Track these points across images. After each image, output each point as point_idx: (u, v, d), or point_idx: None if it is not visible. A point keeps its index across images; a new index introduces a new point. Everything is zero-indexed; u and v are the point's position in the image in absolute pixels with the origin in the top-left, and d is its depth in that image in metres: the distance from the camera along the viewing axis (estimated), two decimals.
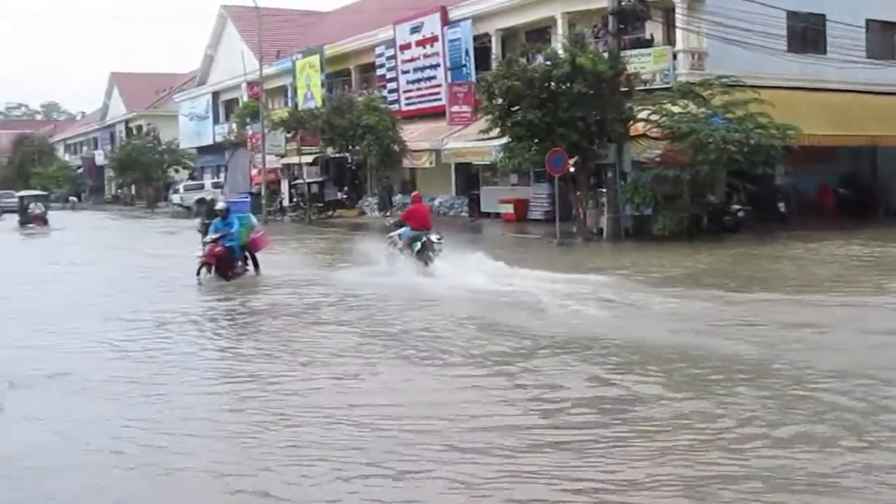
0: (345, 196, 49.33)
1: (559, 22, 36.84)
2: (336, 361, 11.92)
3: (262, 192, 49.42)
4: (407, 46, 44.93)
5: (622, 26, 29.93)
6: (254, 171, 56.72)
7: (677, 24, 32.11)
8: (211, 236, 21.27)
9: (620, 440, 8.19)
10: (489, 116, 30.74)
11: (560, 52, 29.67)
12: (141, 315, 16.30)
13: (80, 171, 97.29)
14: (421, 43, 44.07)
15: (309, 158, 50.05)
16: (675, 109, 28.86)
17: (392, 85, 46.32)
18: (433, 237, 20.92)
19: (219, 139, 65.56)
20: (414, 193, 25.01)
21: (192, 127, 72.32)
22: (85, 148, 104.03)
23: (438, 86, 42.95)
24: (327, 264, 23.57)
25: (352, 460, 7.79)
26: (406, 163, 42.36)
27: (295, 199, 51.83)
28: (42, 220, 47.90)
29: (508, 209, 38.05)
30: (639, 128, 29.82)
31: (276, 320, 15.79)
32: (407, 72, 45.18)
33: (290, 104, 54.64)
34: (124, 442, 8.54)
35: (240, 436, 8.68)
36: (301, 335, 14.09)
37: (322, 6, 78.50)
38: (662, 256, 23.64)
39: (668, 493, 6.92)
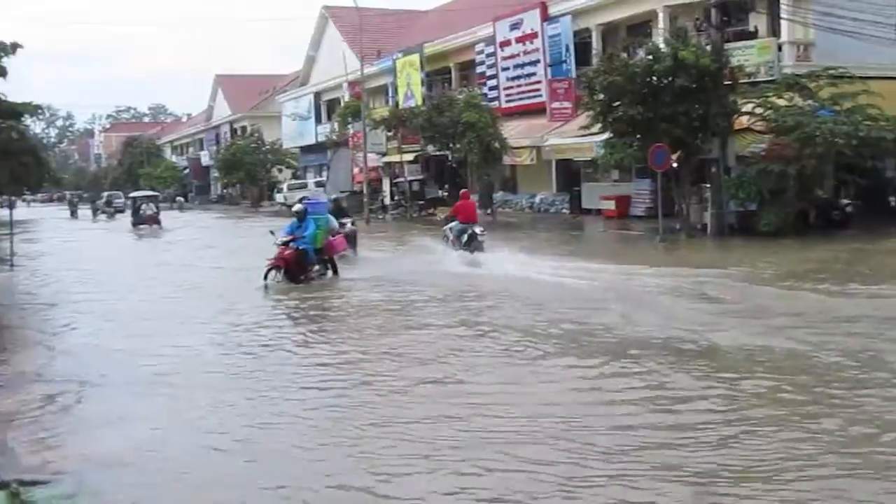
0: (445, 193, 49.55)
1: (660, 16, 36.52)
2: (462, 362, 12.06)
3: (364, 191, 49.96)
4: (507, 43, 44.97)
5: (725, 19, 29.56)
6: (355, 170, 57.37)
7: (782, 14, 31.56)
8: (282, 238, 20.83)
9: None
10: (590, 112, 30.63)
11: (662, 46, 29.44)
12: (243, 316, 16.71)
13: (187, 171, 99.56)
14: (521, 39, 44.07)
15: (410, 156, 50.48)
16: (781, 102, 28.41)
17: (492, 82, 46.41)
18: (477, 230, 24.13)
19: (321, 139, 66.49)
20: (462, 191, 27.57)
21: (294, 127, 73.44)
22: (191, 149, 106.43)
23: (538, 82, 42.91)
24: (427, 263, 23.16)
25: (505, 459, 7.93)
26: (506, 160, 42.42)
27: (396, 197, 52.32)
28: (154, 220, 47.88)
29: (609, 206, 37.86)
30: (743, 122, 29.43)
31: (372, 318, 15.99)
32: (507, 68, 45.22)
33: (390, 103, 55.11)
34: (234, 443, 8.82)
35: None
36: (412, 333, 14.25)
37: (422, 5, 79.21)
38: (771, 253, 23.27)
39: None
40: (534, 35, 43.05)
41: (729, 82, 28.95)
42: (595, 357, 11.66)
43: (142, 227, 47.08)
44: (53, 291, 21.44)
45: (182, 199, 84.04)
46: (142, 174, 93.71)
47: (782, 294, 16.61)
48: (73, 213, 70.78)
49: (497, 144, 40.76)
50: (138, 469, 7.92)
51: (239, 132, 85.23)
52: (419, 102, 49.47)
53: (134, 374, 11.67)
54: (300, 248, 20.47)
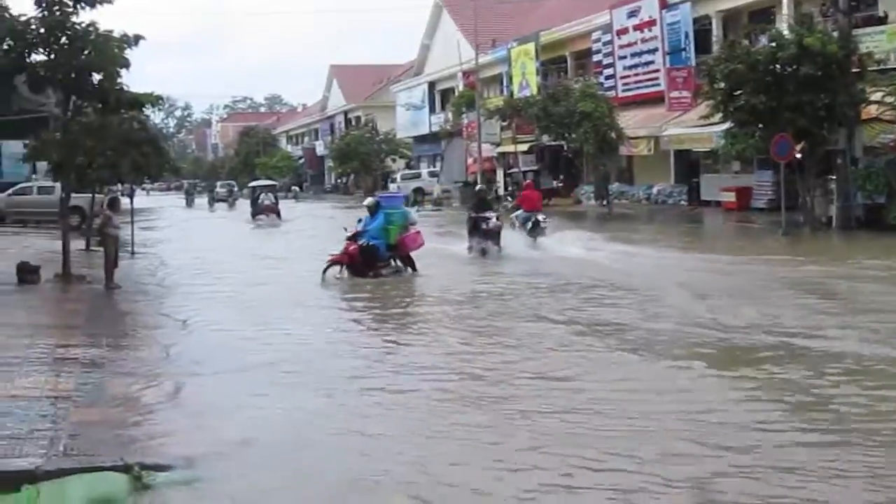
0: (560, 184, 49.41)
1: (784, 1, 35.67)
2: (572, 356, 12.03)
3: (478, 181, 50.04)
4: (624, 31, 44.54)
5: (853, 3, 28.87)
6: (469, 160, 57.63)
7: None
8: (349, 232, 20.61)
9: None
10: (710, 102, 30.26)
11: (786, 32, 28.92)
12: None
13: (302, 161, 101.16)
14: (638, 27, 43.60)
15: (524, 146, 50.42)
16: None
17: (609, 71, 46.04)
18: (540, 217, 26.45)
19: (435, 129, 66.85)
20: (525, 182, 30.67)
21: (408, 117, 73.98)
22: (306, 139, 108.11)
23: (657, 71, 42.40)
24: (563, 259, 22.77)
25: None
26: (623, 150, 42.07)
27: (510, 188, 52.28)
28: (273, 210, 46.55)
29: (730, 197, 37.23)
30: (871, 111, 28.68)
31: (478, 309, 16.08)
32: (624, 57, 44.80)
33: (505, 92, 55.11)
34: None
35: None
36: (520, 326, 14.26)
37: None
38: None
39: None
40: (652, 22, 42.53)
41: (857, 70, 28.24)
42: (706, 357, 11.49)
43: (260, 217, 46.40)
44: (173, 279, 21.99)
45: (297, 188, 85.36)
46: (258, 164, 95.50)
47: None
48: (190, 202, 72.46)
49: (613, 134, 40.42)
50: (255, 456, 8.07)
51: (353, 122, 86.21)
52: (534, 92, 49.34)
53: (249, 362, 11.90)
54: (369, 243, 20.19)
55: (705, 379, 10.35)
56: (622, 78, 45.05)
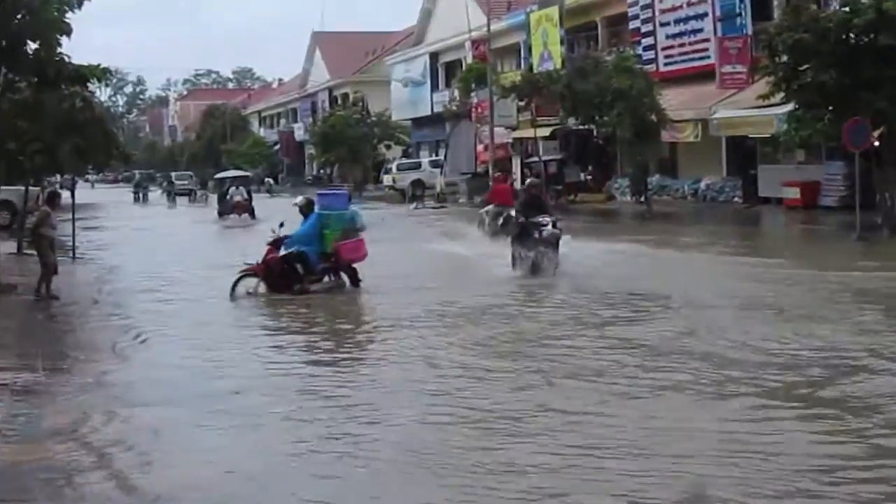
0: (589, 177, 49.43)
1: None
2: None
3: (490, 173, 50.09)
4: None
5: None
6: (479, 147, 57.71)
7: None
8: (270, 237, 20.23)
9: None
10: (771, 78, 30.24)
11: None
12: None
13: (277, 147, 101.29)
14: None
15: (546, 131, 50.43)
16: None
17: (648, 41, 46.05)
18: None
19: (438, 109, 66.92)
20: (497, 175, 34.85)
21: (406, 95, 74.05)
22: (282, 121, 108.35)
23: (706, 41, 42.42)
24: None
25: None
26: (665, 136, 42.03)
27: (529, 181, 52.29)
28: (245, 209, 45.89)
29: (793, 194, 37.22)
30: None
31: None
32: (667, 24, 44.82)
33: (523, 66, 55.16)
34: None
35: None
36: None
37: None
38: None
39: None
40: None
41: None
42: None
43: (229, 216, 46.23)
44: (119, 288, 22.07)
45: (271, 180, 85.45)
46: (225, 150, 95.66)
47: None
48: (139, 197, 72.62)
49: (653, 117, 40.37)
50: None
51: (340, 101, 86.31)
52: (558, 65, 49.37)
53: (203, 389, 12.05)
54: (298, 251, 19.74)
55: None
56: (664, 49, 45.08)
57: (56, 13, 19.14)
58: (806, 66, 28.67)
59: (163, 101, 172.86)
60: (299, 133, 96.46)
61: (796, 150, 36.78)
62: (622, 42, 48.24)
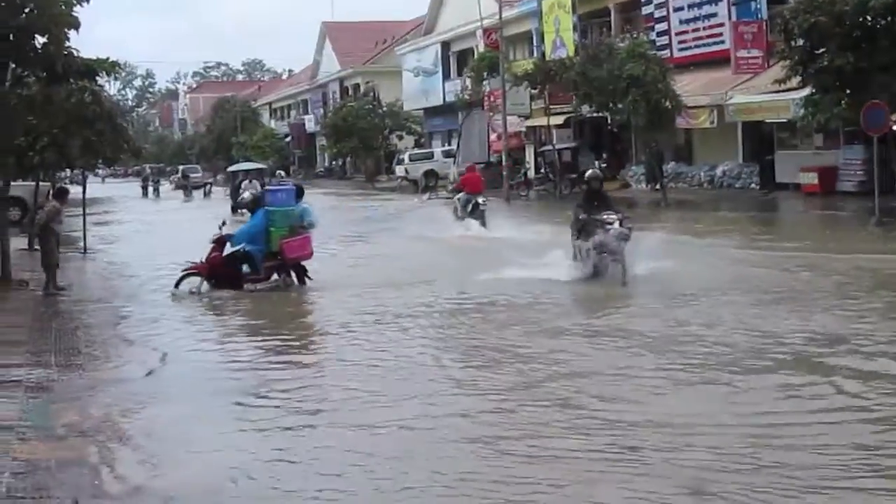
0: (604, 165, 49.33)
1: None
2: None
3: (503, 162, 50.04)
4: None
5: None
6: (492, 136, 57.63)
7: None
8: (214, 235, 19.95)
9: None
10: (787, 62, 30.22)
11: None
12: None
13: (288, 139, 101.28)
14: None
15: (559, 119, 50.41)
16: None
17: (661, 26, 45.96)
18: (480, 200, 31.35)
19: (450, 98, 66.83)
20: (468, 164, 37.61)
21: (417, 85, 73.96)
22: (293, 112, 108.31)
23: (720, 25, 42.33)
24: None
25: None
26: (680, 122, 41.96)
27: (542, 170, 52.28)
28: (259, 204, 44.22)
29: (811, 179, 37.14)
30: None
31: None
32: (680, 9, 44.73)
33: (535, 53, 55.08)
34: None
35: None
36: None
37: None
38: None
39: None
40: None
41: None
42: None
43: (242, 213, 45.69)
44: (132, 284, 22.15)
45: (283, 172, 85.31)
46: (235, 143, 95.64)
47: None
48: (147, 191, 72.55)
49: (668, 103, 40.29)
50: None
51: (351, 92, 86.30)
52: (571, 53, 49.28)
53: (218, 388, 12.08)
54: (244, 250, 19.57)
55: None
56: (678, 34, 44.97)
57: (63, 7, 19.16)
58: (822, 50, 28.69)
59: (172, 95, 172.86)
60: (310, 124, 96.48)
61: (814, 135, 36.72)
62: (635, 28, 48.14)
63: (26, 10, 19.07)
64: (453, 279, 19.90)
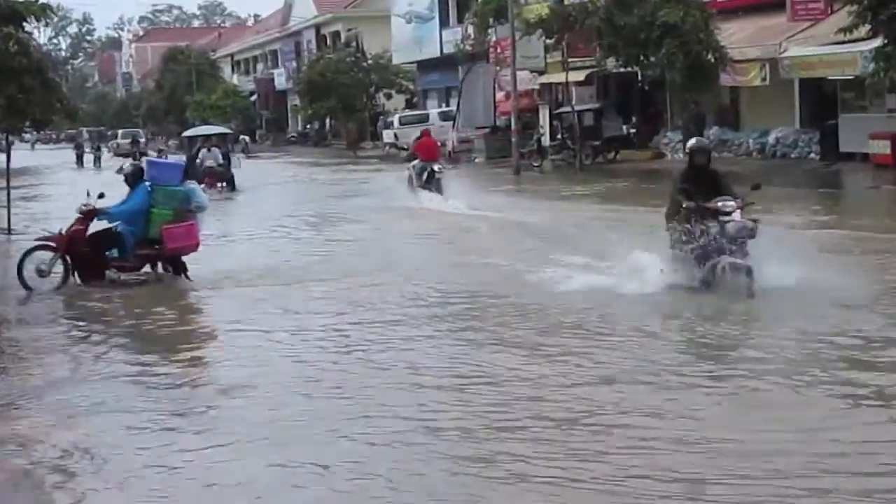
0: (633, 130, 49.33)
1: None
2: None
3: (513, 126, 49.99)
4: None
5: None
6: (500, 95, 57.60)
7: None
8: (83, 206, 19.37)
9: None
10: (853, 7, 30.17)
11: None
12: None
13: (254, 98, 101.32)
14: None
15: (580, 75, 50.36)
16: None
17: None
18: (436, 167, 34.37)
19: (449, 50, 66.74)
20: (423, 129, 39.52)
21: (410, 33, 73.86)
22: (259, 66, 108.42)
23: None
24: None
25: None
26: (725, 80, 41.96)
27: (560, 136, 52.21)
28: (222, 178, 43.56)
29: (882, 148, 37.02)
30: None
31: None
32: None
33: None
34: None
35: None
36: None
37: None
38: None
39: None
40: None
41: None
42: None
43: (201, 188, 44.21)
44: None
45: (247, 138, 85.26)
46: (190, 103, 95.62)
47: None
48: (83, 160, 72.61)
49: (710, 56, 40.32)
50: None
51: (329, 41, 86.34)
52: None
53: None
54: (114, 228, 19.29)
55: None
56: None
57: None
58: None
59: (115, 44, 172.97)
60: (280, 81, 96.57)
61: (885, 95, 36.73)
62: None
63: None
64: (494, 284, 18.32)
